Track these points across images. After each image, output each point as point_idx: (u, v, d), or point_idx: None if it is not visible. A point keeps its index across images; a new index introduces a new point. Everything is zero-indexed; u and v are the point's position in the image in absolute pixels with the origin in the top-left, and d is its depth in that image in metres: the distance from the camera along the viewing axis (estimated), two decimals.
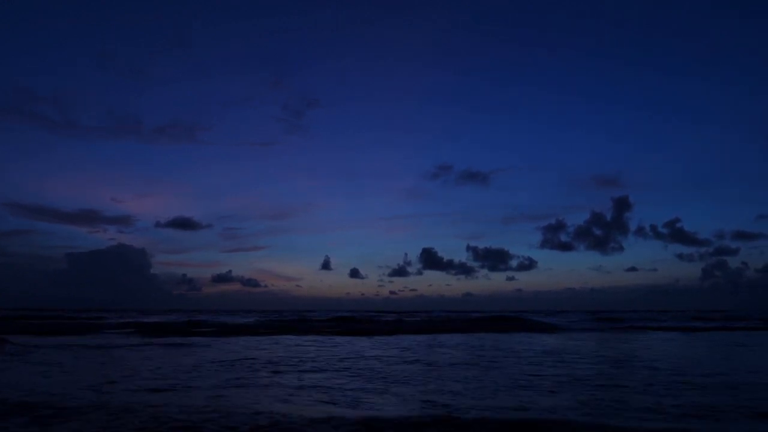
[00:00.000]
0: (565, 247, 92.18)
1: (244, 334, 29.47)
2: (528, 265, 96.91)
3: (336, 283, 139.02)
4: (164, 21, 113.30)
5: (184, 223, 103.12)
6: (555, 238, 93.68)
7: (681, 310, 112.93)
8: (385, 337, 27.01)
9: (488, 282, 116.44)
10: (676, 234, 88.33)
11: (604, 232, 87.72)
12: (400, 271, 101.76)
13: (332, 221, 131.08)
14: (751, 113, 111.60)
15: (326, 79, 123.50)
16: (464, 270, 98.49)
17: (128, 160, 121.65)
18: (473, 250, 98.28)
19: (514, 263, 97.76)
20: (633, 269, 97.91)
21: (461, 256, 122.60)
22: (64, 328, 33.96)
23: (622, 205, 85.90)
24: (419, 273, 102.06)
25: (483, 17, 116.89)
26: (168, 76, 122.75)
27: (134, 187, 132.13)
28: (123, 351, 18.12)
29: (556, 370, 12.37)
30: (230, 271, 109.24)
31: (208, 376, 11.48)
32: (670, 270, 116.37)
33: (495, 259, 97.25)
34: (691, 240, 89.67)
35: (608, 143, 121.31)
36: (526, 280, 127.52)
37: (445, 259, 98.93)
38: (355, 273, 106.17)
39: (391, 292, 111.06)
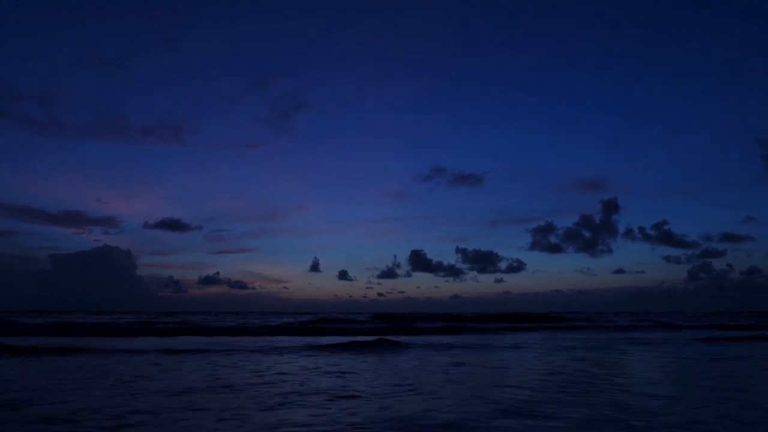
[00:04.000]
0: (554, 249, 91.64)
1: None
2: (517, 267, 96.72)
3: (324, 285, 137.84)
4: (152, 21, 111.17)
5: (171, 225, 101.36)
6: (544, 240, 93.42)
7: (666, 312, 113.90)
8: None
9: (476, 284, 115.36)
10: (664, 236, 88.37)
11: (592, 235, 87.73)
12: (388, 273, 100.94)
13: (320, 223, 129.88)
14: (738, 119, 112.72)
15: (314, 82, 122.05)
16: (453, 272, 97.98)
17: (114, 161, 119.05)
18: (462, 252, 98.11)
19: (503, 265, 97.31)
20: (620, 271, 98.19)
21: (450, 258, 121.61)
22: None
23: (610, 207, 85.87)
24: (408, 275, 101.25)
25: (473, 23, 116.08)
26: (155, 77, 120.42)
27: (120, 188, 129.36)
28: None
29: None
30: (217, 273, 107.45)
31: None
32: (657, 272, 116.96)
33: (484, 261, 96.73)
34: (679, 242, 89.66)
35: (596, 149, 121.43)
36: (514, 282, 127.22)
37: (434, 262, 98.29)
38: (343, 275, 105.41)
39: (379, 294, 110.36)
